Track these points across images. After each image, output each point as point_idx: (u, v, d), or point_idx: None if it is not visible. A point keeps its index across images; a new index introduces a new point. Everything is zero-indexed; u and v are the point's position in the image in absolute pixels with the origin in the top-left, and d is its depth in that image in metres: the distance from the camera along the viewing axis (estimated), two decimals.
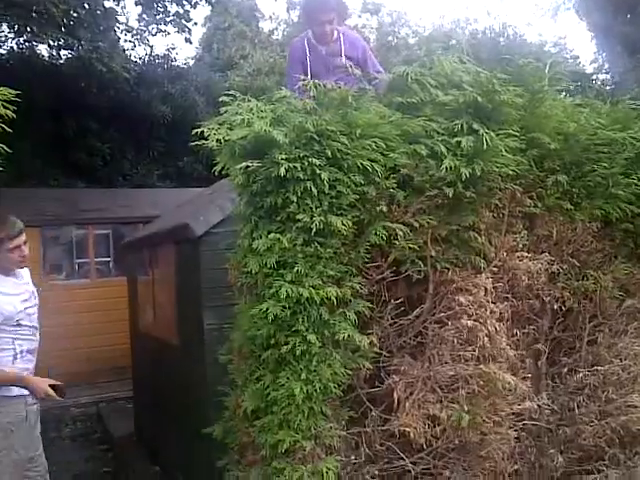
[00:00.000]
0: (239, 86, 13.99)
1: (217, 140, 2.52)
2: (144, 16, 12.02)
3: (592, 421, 3.22)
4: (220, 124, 2.62)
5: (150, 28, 12.59)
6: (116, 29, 11.94)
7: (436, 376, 2.77)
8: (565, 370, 3.26)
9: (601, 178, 3.11)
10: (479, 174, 2.57)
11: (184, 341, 4.68)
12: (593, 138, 3.11)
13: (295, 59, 4.19)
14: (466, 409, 2.72)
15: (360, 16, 22.75)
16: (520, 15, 21.44)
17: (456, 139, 2.64)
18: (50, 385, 3.27)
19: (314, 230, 2.45)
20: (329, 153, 2.48)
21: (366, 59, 4.11)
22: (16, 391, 3.26)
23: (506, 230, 2.96)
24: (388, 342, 2.82)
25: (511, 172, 2.75)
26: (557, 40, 21.95)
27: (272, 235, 2.48)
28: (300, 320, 2.48)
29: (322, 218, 2.46)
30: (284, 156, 2.43)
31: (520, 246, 3.00)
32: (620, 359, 3.28)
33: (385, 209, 2.62)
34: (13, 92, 2.20)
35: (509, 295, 2.96)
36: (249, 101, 2.70)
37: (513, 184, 2.88)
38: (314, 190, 2.45)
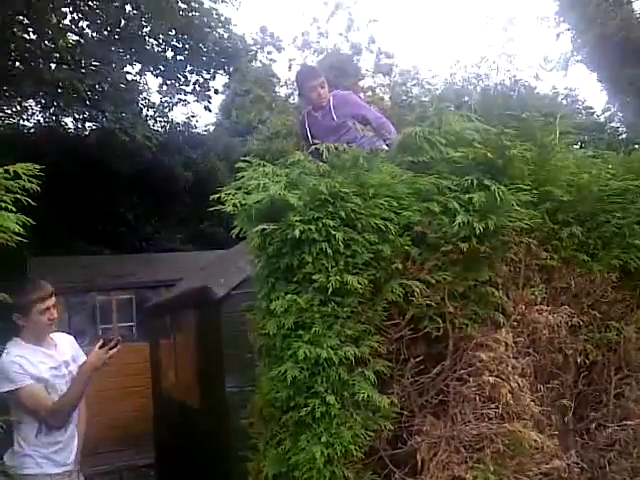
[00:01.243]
0: (258, 149, 14.32)
1: (234, 205, 2.59)
2: (164, 87, 12.49)
3: (624, 478, 3.11)
4: (237, 189, 2.70)
5: (170, 98, 13.05)
6: (139, 100, 12.41)
7: (460, 435, 2.71)
8: (593, 426, 3.16)
9: (616, 228, 3.11)
10: (492, 229, 2.59)
11: (206, 405, 4.66)
12: (606, 189, 3.12)
13: (301, 135, 4.35)
14: (492, 469, 2.65)
15: (373, 77, 23.33)
16: (530, 69, 21.75)
17: (468, 195, 2.67)
18: (102, 345, 3.25)
19: (330, 290, 2.47)
20: (343, 214, 2.53)
21: (363, 113, 4.19)
22: (34, 469, 3.18)
23: (523, 284, 2.95)
24: (409, 401, 2.78)
25: (525, 226, 2.77)
26: (569, 92, 22.26)
27: (289, 296, 2.50)
28: (319, 381, 2.47)
29: (338, 277, 2.48)
30: (299, 218, 2.48)
31: (539, 299, 2.97)
32: None
33: (400, 266, 2.63)
34: (38, 167, 2.30)
35: (530, 350, 2.92)
36: (264, 166, 2.79)
37: (528, 237, 2.88)
38: (329, 250, 2.48)
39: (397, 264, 2.62)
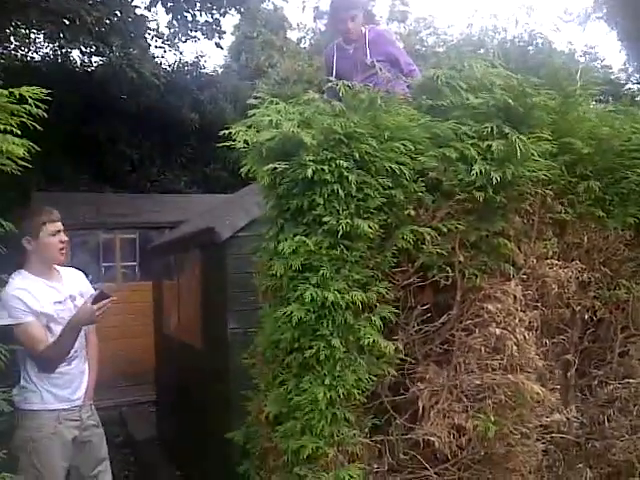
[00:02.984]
0: (266, 94, 14.05)
1: (244, 142, 2.51)
2: (174, 22, 12.16)
3: (623, 435, 3.12)
4: (248, 126, 2.61)
5: (180, 35, 12.74)
6: (147, 36, 12.11)
7: (462, 385, 2.71)
8: (595, 382, 3.17)
9: (635, 185, 3.03)
10: (510, 178, 2.52)
11: (208, 345, 4.69)
12: (627, 144, 3.03)
13: (326, 65, 4.21)
14: (493, 420, 2.65)
15: (387, 24, 22.76)
16: (548, 22, 21.18)
17: (486, 143, 2.59)
18: (94, 302, 3.14)
19: (340, 233, 2.42)
20: (357, 155, 2.45)
21: (397, 55, 4.06)
22: (38, 404, 3.18)
23: (536, 237, 2.90)
24: (414, 349, 2.76)
25: (543, 177, 2.69)
26: (588, 49, 21.71)
27: (297, 238, 2.45)
28: (325, 324, 2.45)
29: (349, 221, 2.42)
30: (311, 158, 2.41)
31: (550, 253, 2.92)
32: None
33: (413, 213, 2.57)
34: (45, 91, 2.21)
35: (538, 304, 2.89)
36: (277, 103, 2.70)
37: (544, 189, 2.81)
38: (341, 193, 2.42)
39: (409, 210, 2.56)
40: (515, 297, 2.75)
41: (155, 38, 13.12)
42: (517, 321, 2.74)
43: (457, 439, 2.67)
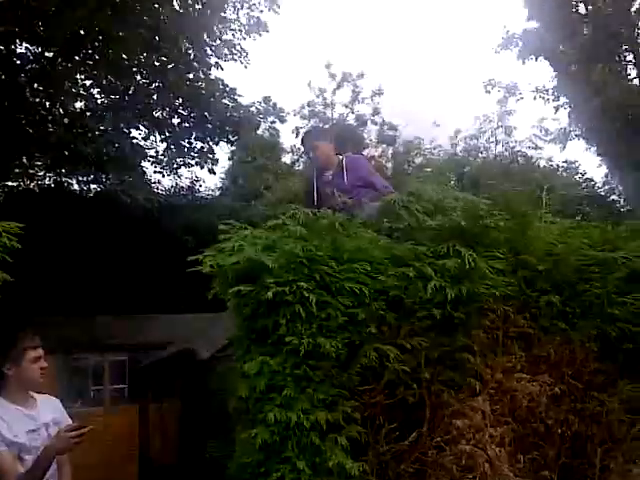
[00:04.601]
0: (262, 214, 14.53)
1: (210, 266, 2.63)
2: (170, 149, 12.80)
3: None
4: (218, 251, 2.75)
5: (176, 161, 13.36)
6: (143, 163, 12.72)
7: None
8: None
9: (595, 298, 3.12)
10: (465, 295, 2.61)
11: (187, 470, 4.56)
12: (584, 258, 3.15)
13: (307, 189, 4.46)
14: None
15: (376, 147, 23.88)
16: (528, 141, 22.24)
17: (443, 261, 2.71)
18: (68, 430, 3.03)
19: (303, 352, 2.47)
20: (318, 277, 2.56)
21: (372, 179, 4.30)
22: None
23: (502, 351, 2.94)
24: (385, 470, 2.72)
25: (500, 293, 2.79)
26: (568, 165, 22.63)
27: (261, 358, 2.50)
28: (289, 446, 2.44)
29: (311, 340, 2.49)
30: (273, 280, 2.51)
31: (518, 367, 2.96)
32: None
33: (375, 331, 2.64)
34: (20, 225, 2.36)
35: (509, 419, 2.88)
36: (245, 229, 2.85)
37: (505, 305, 2.90)
38: (303, 313, 2.50)
39: (372, 328, 2.63)
40: (484, 412, 2.76)
41: (154, 164, 13.76)
42: (487, 437, 2.73)
43: None
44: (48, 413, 3.41)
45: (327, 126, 23.00)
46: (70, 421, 3.34)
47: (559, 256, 3.09)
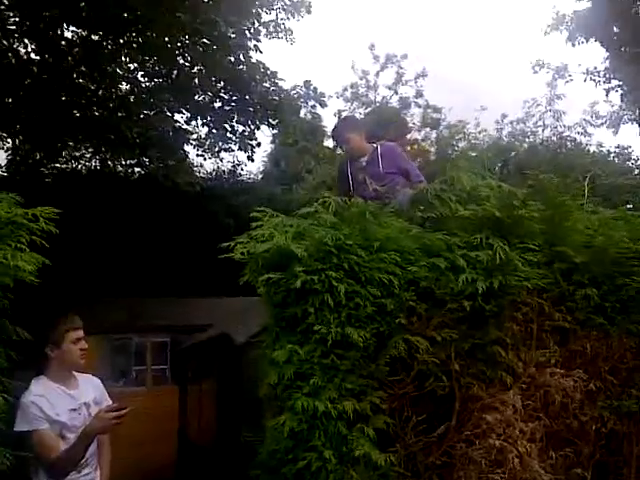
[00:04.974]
0: (302, 199, 14.57)
1: (241, 253, 2.65)
2: (210, 135, 12.91)
3: None
4: (250, 238, 2.77)
5: (216, 146, 13.48)
6: (185, 147, 12.88)
7: None
8: None
9: (635, 292, 3.02)
10: (497, 287, 2.56)
11: (222, 452, 4.64)
12: (624, 251, 3.05)
13: (340, 178, 4.45)
14: None
15: (420, 130, 23.58)
16: (578, 126, 21.49)
17: (475, 252, 2.66)
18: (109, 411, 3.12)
19: (331, 342, 2.47)
20: (347, 266, 2.55)
21: (407, 168, 4.26)
22: None
23: (536, 345, 2.89)
24: (414, 461, 2.72)
25: (534, 285, 2.72)
26: (620, 150, 21.87)
27: (290, 346, 2.51)
28: (317, 435, 2.45)
29: (339, 330, 2.48)
30: (302, 268, 2.51)
31: (552, 362, 2.90)
32: None
33: (405, 321, 2.62)
34: (56, 210, 2.41)
35: (541, 414, 2.83)
36: (277, 216, 2.86)
37: (539, 298, 2.83)
38: (331, 302, 2.50)
39: (401, 319, 2.61)
40: (515, 407, 2.71)
41: (197, 147, 13.92)
42: (518, 432, 2.68)
43: None
44: (89, 393, 3.50)
45: (366, 112, 22.76)
46: (110, 401, 3.43)
47: (598, 248, 3.00)
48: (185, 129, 12.44)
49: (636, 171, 20.64)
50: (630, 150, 21.78)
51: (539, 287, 2.79)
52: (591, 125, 21.28)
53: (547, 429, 2.86)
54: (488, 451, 2.65)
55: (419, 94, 24.25)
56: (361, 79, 24.48)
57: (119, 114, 10.49)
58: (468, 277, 2.56)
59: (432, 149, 22.56)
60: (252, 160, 13.45)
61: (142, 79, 11.93)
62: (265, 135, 17.66)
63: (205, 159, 14.70)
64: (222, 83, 11.68)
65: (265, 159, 22.93)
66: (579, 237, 2.98)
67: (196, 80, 11.59)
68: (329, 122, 22.20)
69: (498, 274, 2.57)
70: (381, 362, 2.61)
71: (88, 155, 13.20)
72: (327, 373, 2.51)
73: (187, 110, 12.16)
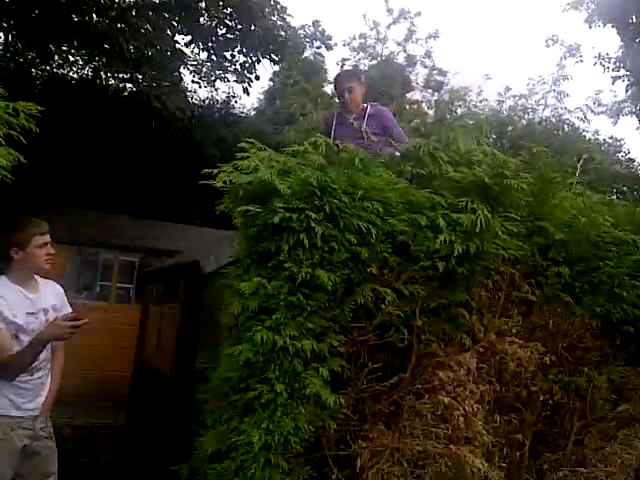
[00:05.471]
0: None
1: (224, 182, 2.61)
2: (211, 59, 12.57)
3: None
4: (234, 168, 2.72)
5: (213, 73, 13.15)
6: (181, 70, 12.53)
7: (404, 449, 2.70)
8: (546, 466, 3.13)
9: (607, 277, 3.06)
10: (473, 252, 2.57)
11: (176, 376, 4.70)
12: (603, 236, 3.08)
13: (325, 130, 4.37)
14: None
15: (422, 91, 23.25)
16: (579, 111, 21.36)
17: (457, 215, 2.65)
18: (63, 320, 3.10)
19: (299, 280, 2.47)
20: (327, 209, 2.53)
21: (394, 132, 4.20)
22: None
23: (500, 313, 2.93)
24: (363, 406, 2.77)
25: (510, 255, 2.74)
26: (614, 141, 21.89)
27: (258, 279, 2.51)
28: (272, 368, 2.48)
29: (310, 270, 2.48)
30: (282, 205, 2.49)
31: (513, 331, 2.95)
32: (606, 464, 3.13)
33: (376, 272, 2.63)
34: (39, 108, 2.33)
35: (493, 379, 2.89)
36: (265, 150, 2.81)
37: (512, 268, 2.86)
38: (306, 242, 2.49)
39: (373, 269, 2.62)
40: (469, 369, 2.76)
41: (193, 73, 13.56)
42: (467, 392, 2.74)
43: None
44: (49, 299, 3.48)
45: (371, 64, 22.28)
46: (70, 309, 3.42)
47: (578, 229, 3.02)
48: (183, 52, 12.08)
49: (625, 163, 20.73)
50: (622, 143, 21.84)
51: (514, 258, 2.81)
52: (592, 112, 21.18)
53: (496, 394, 2.93)
54: (435, 406, 2.72)
55: (428, 54, 23.78)
56: (371, 29, 23.89)
57: (118, 25, 10.11)
58: (446, 238, 2.56)
59: (431, 112, 22.31)
60: (248, 93, 13.15)
61: None
62: (266, 71, 17.26)
63: (200, 86, 14.38)
64: (229, 10, 11.29)
65: (261, 96, 22.48)
66: (562, 215, 2.99)
67: (202, 2, 11.19)
68: (332, 69, 21.75)
69: (476, 239, 2.57)
70: (346, 308, 2.63)
71: (81, 63, 12.78)
72: (291, 311, 2.52)
73: (189, 32, 11.78)
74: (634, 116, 18.95)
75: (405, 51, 24.15)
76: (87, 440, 7.85)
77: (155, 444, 5.16)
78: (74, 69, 13.61)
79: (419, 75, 23.58)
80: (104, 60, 10.49)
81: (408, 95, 22.35)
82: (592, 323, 3.10)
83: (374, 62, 22.58)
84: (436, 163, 2.88)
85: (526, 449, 3.09)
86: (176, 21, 11.22)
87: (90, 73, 13.10)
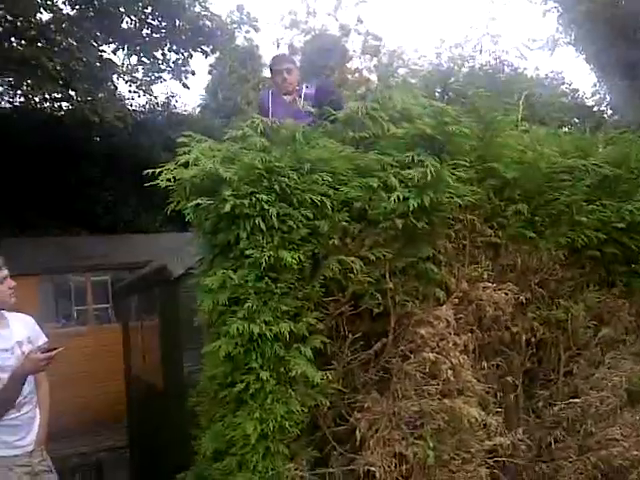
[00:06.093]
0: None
1: (167, 179, 2.55)
2: (140, 66, 12.30)
3: (571, 456, 3.11)
4: (177, 164, 2.66)
5: (147, 77, 12.88)
6: (114, 79, 12.22)
7: (400, 412, 2.71)
8: (541, 404, 3.17)
9: (564, 206, 3.09)
10: (429, 205, 2.56)
11: (167, 385, 4.65)
12: (554, 166, 3.10)
13: (261, 108, 4.31)
14: (432, 446, 2.64)
15: (360, 58, 23.16)
16: (515, 50, 21.57)
17: (407, 171, 2.64)
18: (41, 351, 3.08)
19: (264, 265, 2.44)
20: (278, 189, 2.49)
21: (340, 102, 4.14)
22: None
23: (468, 261, 2.94)
24: (352, 378, 2.77)
25: (466, 202, 2.74)
26: (555, 75, 22.16)
27: (223, 272, 2.47)
28: (254, 357, 2.46)
29: (272, 253, 2.45)
30: (231, 193, 2.44)
31: (484, 276, 2.96)
32: (598, 390, 3.19)
33: (338, 242, 2.60)
34: None
35: (474, 327, 2.91)
36: (205, 141, 2.75)
37: (471, 214, 2.86)
38: (263, 226, 2.45)
39: (335, 240, 2.59)
40: (448, 321, 2.77)
41: (129, 83, 13.24)
42: (451, 345, 2.75)
43: (398, 468, 2.66)
44: (21, 331, 3.41)
45: (305, 39, 22.07)
46: (45, 339, 3.36)
47: (529, 164, 3.03)
48: (112, 60, 11.78)
49: (570, 95, 21.00)
50: (563, 75, 22.11)
51: (471, 204, 2.81)
52: (528, 49, 21.40)
53: (480, 341, 2.96)
54: (422, 364, 2.72)
55: (359, 20, 23.66)
56: (301, 2, 23.59)
57: (38, 45, 9.78)
58: (400, 195, 2.54)
59: (373, 77, 22.25)
60: (187, 87, 12.91)
61: (63, 6, 11.13)
62: (202, 66, 16.94)
63: (136, 91, 14.06)
64: (149, 9, 11.02)
65: (203, 92, 22.15)
66: (510, 153, 2.99)
67: (121, 8, 10.88)
68: (266, 53, 21.50)
69: (429, 191, 2.56)
70: (316, 284, 2.60)
71: (11, 91, 12.37)
72: (262, 297, 2.49)
73: (113, 40, 11.48)
74: (570, 46, 19.20)
75: (337, 20, 23.99)
76: (94, 467, 7.79)
77: (159, 457, 5.12)
78: (5, 98, 13.19)
79: (354, 43, 23.49)
80: (31, 83, 10.17)
81: (348, 65, 22.27)
82: (559, 254, 3.13)
83: (308, 37, 22.40)
84: (377, 123, 2.85)
85: (519, 390, 3.13)
86: (98, 30, 10.91)
87: (21, 99, 12.72)
